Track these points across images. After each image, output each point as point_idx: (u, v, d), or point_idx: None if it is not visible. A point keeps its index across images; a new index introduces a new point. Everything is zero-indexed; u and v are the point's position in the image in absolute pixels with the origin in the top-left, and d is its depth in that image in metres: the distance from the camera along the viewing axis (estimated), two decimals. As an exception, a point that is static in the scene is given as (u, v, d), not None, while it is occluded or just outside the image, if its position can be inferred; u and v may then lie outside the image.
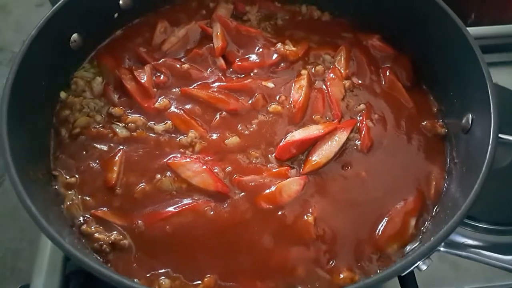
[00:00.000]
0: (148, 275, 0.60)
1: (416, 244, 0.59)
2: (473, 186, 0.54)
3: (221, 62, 0.82)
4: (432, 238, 0.51)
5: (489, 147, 0.57)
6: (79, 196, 0.66)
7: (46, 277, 0.72)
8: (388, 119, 0.75)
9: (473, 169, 0.58)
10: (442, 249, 0.53)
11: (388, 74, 0.80)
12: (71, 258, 0.52)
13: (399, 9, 0.80)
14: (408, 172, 0.69)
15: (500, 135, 0.61)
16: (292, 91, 0.77)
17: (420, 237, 0.62)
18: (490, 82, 0.63)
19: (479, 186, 0.54)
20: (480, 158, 0.57)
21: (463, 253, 0.54)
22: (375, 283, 0.48)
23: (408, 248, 0.60)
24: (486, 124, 0.60)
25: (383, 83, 0.80)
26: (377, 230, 0.64)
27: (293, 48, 0.83)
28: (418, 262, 0.52)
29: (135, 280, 0.59)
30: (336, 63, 0.82)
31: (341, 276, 0.60)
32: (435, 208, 0.66)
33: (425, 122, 0.75)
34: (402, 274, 0.55)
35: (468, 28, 0.70)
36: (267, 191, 0.66)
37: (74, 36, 0.77)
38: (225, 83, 0.79)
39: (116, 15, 0.84)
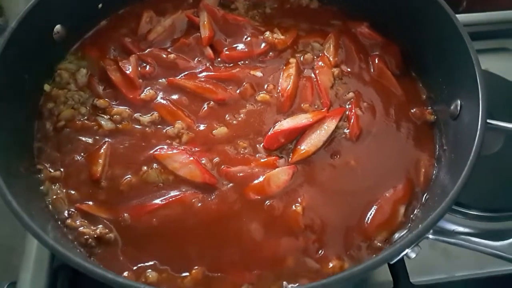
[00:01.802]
0: (135, 268, 0.59)
1: (405, 231, 0.59)
2: (462, 172, 0.54)
3: (208, 51, 0.80)
4: (420, 226, 0.50)
5: (478, 132, 0.56)
6: (64, 190, 0.65)
7: (33, 272, 0.72)
8: (377, 107, 0.74)
9: (461, 156, 0.57)
10: (431, 236, 0.53)
11: (377, 61, 0.79)
12: (53, 253, 0.51)
13: (387, -4, 0.79)
14: (397, 160, 0.69)
15: (488, 121, 0.60)
16: (281, 80, 0.77)
17: (409, 225, 0.62)
18: (478, 68, 0.62)
19: (468, 172, 0.53)
20: (469, 144, 0.57)
21: (452, 240, 0.54)
22: (364, 271, 0.48)
23: (396, 235, 0.60)
24: (475, 109, 0.60)
25: (372, 71, 0.79)
26: (366, 219, 0.63)
27: (282, 37, 0.82)
28: (407, 250, 0.51)
29: (124, 274, 0.59)
30: (325, 51, 0.81)
31: (330, 265, 0.60)
32: (424, 196, 0.66)
33: (414, 110, 0.74)
34: (392, 262, 0.55)
35: (457, 15, 0.69)
36: (256, 181, 0.65)
37: (57, 27, 0.76)
38: (212, 73, 0.77)
39: (100, 5, 0.82)
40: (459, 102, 0.66)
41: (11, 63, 0.66)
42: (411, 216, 0.64)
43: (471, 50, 0.64)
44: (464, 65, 0.65)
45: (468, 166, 0.54)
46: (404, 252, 0.52)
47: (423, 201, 0.65)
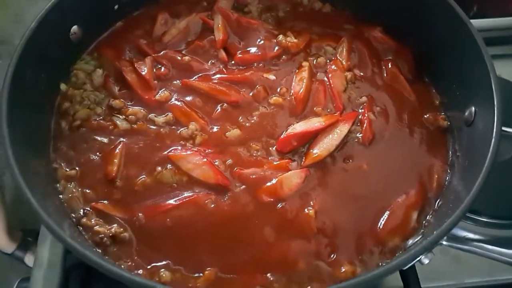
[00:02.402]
0: (148, 267, 0.60)
1: (418, 238, 0.59)
2: (476, 180, 0.54)
3: (222, 54, 0.81)
4: (434, 232, 0.50)
5: (493, 140, 0.56)
6: (79, 189, 0.66)
7: (46, 270, 0.72)
8: (390, 112, 0.74)
9: (476, 162, 0.57)
10: (444, 242, 0.53)
11: (390, 66, 0.79)
12: (71, 250, 0.52)
13: (401, 1, 0.79)
14: (409, 165, 0.69)
15: (503, 128, 0.60)
16: (293, 83, 0.77)
17: (422, 230, 0.62)
18: (493, 74, 0.62)
19: (482, 180, 0.53)
20: (483, 151, 0.57)
21: (465, 247, 0.54)
22: (377, 277, 0.48)
23: (410, 242, 0.60)
24: (490, 117, 0.60)
25: (384, 75, 0.79)
26: (379, 224, 0.63)
27: (295, 40, 0.83)
28: (420, 256, 0.51)
29: (138, 272, 0.59)
30: (338, 55, 0.81)
31: (343, 269, 0.60)
32: (437, 202, 0.66)
33: (427, 115, 0.74)
34: (404, 268, 0.55)
35: (471, 20, 0.69)
36: (268, 184, 0.65)
37: (74, 28, 0.77)
38: (226, 75, 0.78)
39: (116, 6, 0.83)
40: (473, 108, 0.66)
41: (29, 63, 0.67)
42: (424, 222, 0.64)
43: (486, 56, 0.64)
44: (478, 71, 0.65)
45: (483, 173, 0.54)
46: (418, 259, 0.52)
47: (435, 207, 0.65)
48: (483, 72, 0.64)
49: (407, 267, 0.53)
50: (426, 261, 0.53)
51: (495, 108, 0.59)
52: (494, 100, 0.60)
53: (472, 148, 0.64)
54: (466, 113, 0.68)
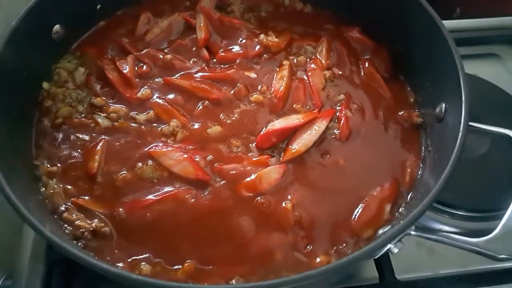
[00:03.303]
0: (129, 260, 0.61)
1: (388, 227, 0.61)
2: (443, 172, 0.56)
3: (204, 53, 0.82)
4: (401, 222, 0.52)
5: (460, 134, 0.59)
6: (61, 185, 0.67)
7: (29, 266, 0.73)
8: (367, 109, 0.76)
9: (444, 156, 0.59)
10: (413, 232, 0.55)
11: (367, 65, 0.81)
12: (51, 244, 0.53)
13: (378, 2, 0.81)
14: (384, 160, 0.71)
15: (471, 123, 0.63)
16: (274, 81, 0.79)
17: (394, 222, 0.64)
18: (462, 72, 0.64)
19: (449, 172, 0.55)
20: (452, 145, 0.59)
21: (433, 237, 0.56)
22: (347, 264, 0.50)
23: (380, 231, 0.62)
24: (458, 112, 0.62)
25: (362, 74, 0.81)
26: (353, 216, 0.65)
27: (276, 39, 0.84)
28: (389, 245, 0.53)
29: (119, 265, 0.60)
30: (317, 54, 0.83)
31: (318, 259, 0.61)
32: (409, 195, 0.68)
33: (402, 112, 0.77)
34: (375, 257, 0.57)
35: (448, 21, 0.72)
36: (248, 179, 0.67)
37: (56, 27, 0.78)
38: (208, 73, 0.79)
39: (98, 6, 0.85)
40: (443, 105, 0.68)
41: (11, 61, 0.67)
42: (396, 214, 0.66)
43: (456, 54, 0.66)
44: (449, 69, 0.67)
45: (449, 166, 0.56)
46: (387, 247, 0.54)
47: (408, 199, 0.67)
48: (452, 70, 0.66)
49: (377, 255, 0.55)
50: (395, 250, 0.55)
51: (463, 105, 0.61)
52: (462, 96, 0.62)
53: (442, 143, 0.66)
54: (437, 110, 0.70)
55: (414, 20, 0.76)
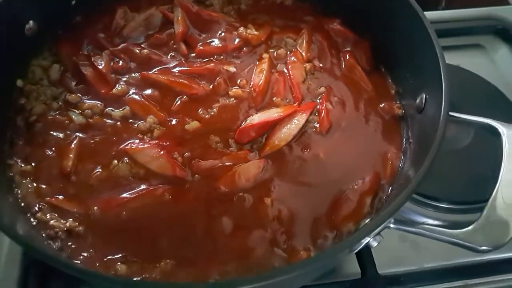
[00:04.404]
0: (104, 260, 0.59)
1: (367, 220, 0.60)
2: (422, 163, 0.55)
3: (182, 47, 0.81)
4: (380, 214, 0.51)
5: (440, 124, 0.58)
6: (35, 184, 0.65)
7: (5, 268, 0.71)
8: (347, 102, 0.75)
9: (424, 147, 0.59)
10: (392, 225, 0.54)
11: (348, 57, 0.80)
12: (22, 247, 0.51)
13: (359, -7, 0.80)
14: (365, 153, 0.70)
15: (452, 113, 0.62)
16: (253, 75, 0.77)
17: (373, 215, 0.63)
18: (442, 61, 0.63)
19: (428, 163, 0.55)
20: (431, 136, 0.58)
21: (412, 229, 0.55)
22: (325, 258, 0.49)
23: (361, 225, 0.61)
24: (438, 102, 0.61)
25: (343, 66, 0.80)
26: (334, 210, 0.64)
27: (255, 32, 0.83)
28: (368, 238, 0.52)
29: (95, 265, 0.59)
30: (298, 47, 0.82)
31: (298, 255, 0.60)
32: (390, 187, 0.67)
33: (383, 104, 0.76)
34: (355, 251, 0.56)
35: (432, 12, 0.71)
36: (226, 175, 0.66)
37: (30, 23, 0.75)
38: (186, 68, 0.78)
39: (73, 1, 0.82)
40: (424, 95, 0.68)
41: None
42: (377, 207, 0.65)
43: (436, 44, 0.65)
44: (430, 60, 0.66)
45: (429, 156, 0.55)
46: (366, 241, 0.53)
47: (389, 192, 0.67)
48: (433, 60, 0.65)
49: (357, 249, 0.54)
50: (374, 243, 0.54)
51: (443, 93, 0.60)
52: (442, 85, 0.61)
53: (422, 134, 0.65)
54: (418, 100, 0.69)
55: (395, 11, 0.75)
